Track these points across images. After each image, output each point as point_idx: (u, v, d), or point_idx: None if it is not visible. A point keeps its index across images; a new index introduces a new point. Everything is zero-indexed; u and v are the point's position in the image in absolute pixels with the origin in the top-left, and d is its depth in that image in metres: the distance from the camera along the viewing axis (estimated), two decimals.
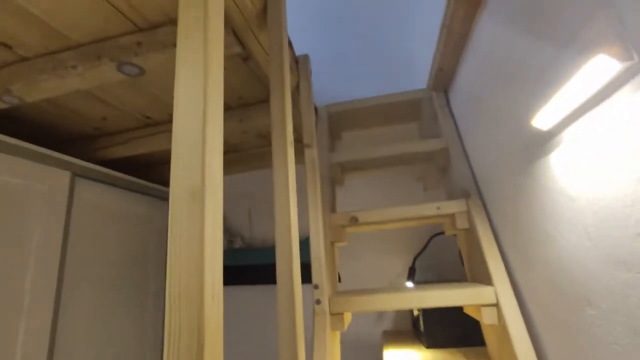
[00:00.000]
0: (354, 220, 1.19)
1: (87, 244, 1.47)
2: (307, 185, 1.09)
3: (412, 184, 1.70)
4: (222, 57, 0.45)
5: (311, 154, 1.11)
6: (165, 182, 1.98)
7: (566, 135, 0.66)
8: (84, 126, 1.48)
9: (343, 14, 1.96)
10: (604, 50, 0.50)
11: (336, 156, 1.36)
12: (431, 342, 1.19)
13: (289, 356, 0.67)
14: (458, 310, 1.20)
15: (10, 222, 1.18)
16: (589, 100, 0.57)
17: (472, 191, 1.18)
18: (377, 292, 1.06)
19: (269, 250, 1.82)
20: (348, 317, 1.11)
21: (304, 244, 1.66)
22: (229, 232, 1.94)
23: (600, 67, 0.50)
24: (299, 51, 1.91)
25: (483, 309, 0.98)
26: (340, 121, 1.64)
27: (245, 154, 1.88)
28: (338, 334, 1.16)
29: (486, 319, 0.97)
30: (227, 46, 0.96)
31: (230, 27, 0.91)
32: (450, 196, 1.38)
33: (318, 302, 1.02)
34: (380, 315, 1.57)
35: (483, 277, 1.07)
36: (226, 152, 1.86)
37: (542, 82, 0.67)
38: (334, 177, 1.44)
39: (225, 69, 1.19)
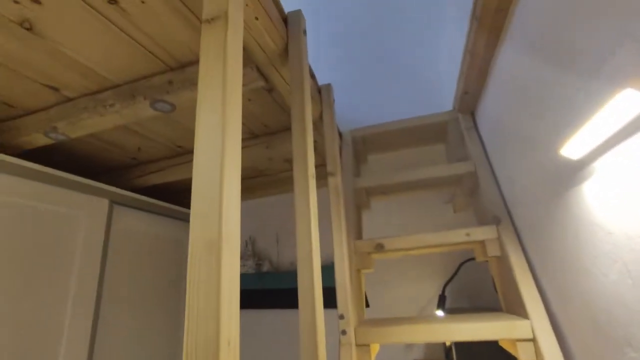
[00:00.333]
0: (380, 247, 1.17)
1: (124, 267, 1.53)
2: (332, 213, 1.10)
3: (441, 206, 1.66)
4: (240, 100, 0.47)
5: (335, 181, 1.12)
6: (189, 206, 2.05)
7: (598, 165, 0.63)
8: (121, 156, 1.57)
9: (367, 39, 1.98)
10: (631, 84, 0.48)
11: (361, 181, 1.36)
12: None
13: None
14: (493, 341, 1.14)
15: (53, 247, 1.26)
16: (619, 132, 0.54)
17: (502, 217, 1.14)
18: (405, 322, 1.03)
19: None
20: (375, 348, 1.09)
21: (330, 269, 1.65)
22: (257, 256, 1.96)
23: (628, 101, 0.48)
24: (323, 77, 1.95)
25: (519, 343, 0.93)
26: (365, 145, 1.64)
27: (273, 178, 1.92)
28: None
29: (522, 354, 0.91)
30: (251, 81, 1.00)
31: (254, 64, 0.95)
32: (480, 219, 1.34)
33: (344, 332, 1.01)
34: (411, 344, 1.52)
35: (518, 308, 1.02)
36: (254, 176, 1.90)
37: (567, 111, 0.65)
38: (360, 202, 1.43)
39: (250, 100, 1.23)
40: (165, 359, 1.65)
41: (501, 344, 1.11)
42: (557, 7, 0.67)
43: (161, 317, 1.66)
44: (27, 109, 1.19)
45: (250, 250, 1.96)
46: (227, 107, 0.42)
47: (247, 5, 0.74)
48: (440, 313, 1.29)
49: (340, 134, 1.59)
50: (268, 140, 1.45)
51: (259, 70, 0.96)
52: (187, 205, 2.04)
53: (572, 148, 0.65)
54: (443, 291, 1.38)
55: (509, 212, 1.15)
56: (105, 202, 1.47)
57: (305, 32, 0.93)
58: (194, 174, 0.41)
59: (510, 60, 0.94)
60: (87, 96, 1.12)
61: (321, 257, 1.68)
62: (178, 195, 2.06)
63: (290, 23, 0.92)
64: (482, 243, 1.16)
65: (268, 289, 1.84)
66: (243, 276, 1.92)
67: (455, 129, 1.47)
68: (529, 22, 0.81)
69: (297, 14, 0.92)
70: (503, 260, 1.10)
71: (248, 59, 0.95)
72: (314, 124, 1.27)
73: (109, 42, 0.93)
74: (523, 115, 0.91)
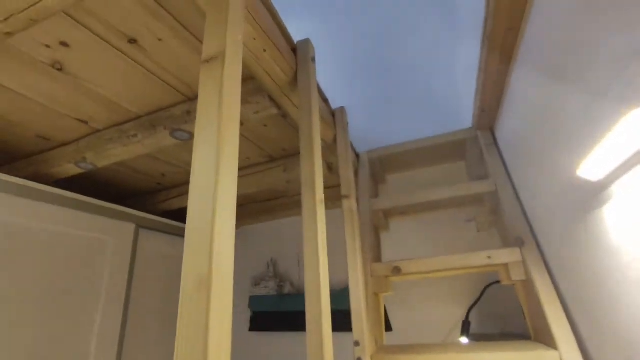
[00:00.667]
0: (397, 271, 1.15)
1: (149, 288, 1.57)
2: (346, 236, 1.09)
3: (464, 225, 1.60)
4: (236, 136, 0.49)
5: (349, 204, 1.12)
6: None
7: (617, 188, 0.60)
8: (146, 182, 1.64)
9: (381, 59, 2.00)
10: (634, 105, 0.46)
11: (378, 203, 1.35)
12: None
13: None
14: None
15: (83, 271, 1.32)
16: (634, 155, 0.51)
17: (526, 238, 1.09)
18: (425, 350, 0.99)
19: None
20: None
21: (347, 292, 1.62)
22: (278, 277, 1.96)
23: (636, 122, 0.45)
24: (339, 99, 1.97)
25: None
26: (383, 165, 1.63)
27: (293, 199, 1.93)
28: None
29: None
30: (264, 108, 1.03)
31: (267, 93, 0.98)
32: (505, 240, 1.28)
33: None
34: None
35: (546, 337, 0.96)
36: (274, 198, 1.93)
37: (579, 132, 0.62)
38: (378, 224, 1.41)
39: (266, 125, 1.27)
40: None
41: None
42: (566, 25, 0.65)
43: None
44: (60, 141, 1.27)
45: (271, 272, 1.97)
46: (221, 144, 0.44)
47: (254, 39, 0.77)
48: (464, 340, 1.24)
49: (357, 155, 1.59)
50: (285, 163, 1.47)
51: (270, 98, 0.99)
52: None
53: (588, 170, 0.62)
54: (467, 316, 1.32)
55: (533, 233, 1.10)
56: (131, 227, 1.53)
57: (314, 59, 0.95)
58: (189, 209, 0.42)
59: (523, 78, 0.92)
60: (112, 128, 1.19)
61: (338, 280, 1.66)
62: None
63: (299, 52, 0.94)
64: (505, 266, 1.11)
65: (290, 311, 1.83)
66: (265, 298, 1.92)
67: (475, 147, 1.43)
68: (539, 41, 0.79)
69: (306, 43, 0.95)
70: (529, 284, 1.05)
71: (259, 88, 0.98)
72: (329, 146, 1.28)
73: (131, 77, 0.99)
74: (539, 134, 0.88)
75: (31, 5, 0.66)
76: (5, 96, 1.02)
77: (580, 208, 0.75)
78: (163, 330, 1.59)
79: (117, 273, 1.44)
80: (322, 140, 1.22)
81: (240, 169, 1.56)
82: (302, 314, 1.89)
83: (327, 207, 1.87)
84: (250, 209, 2.01)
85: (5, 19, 0.68)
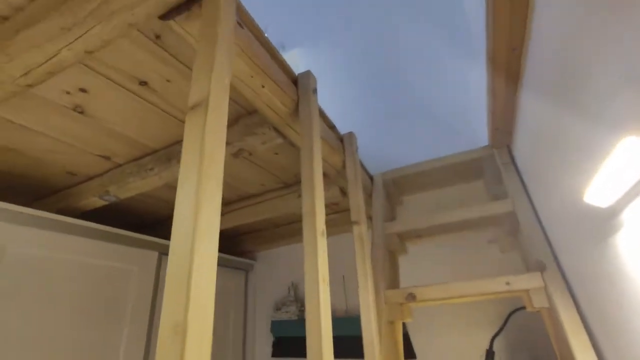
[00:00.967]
0: (411, 297, 1.11)
1: None
2: (357, 263, 1.07)
3: (486, 246, 1.54)
4: (220, 178, 0.50)
5: (359, 230, 1.10)
6: (238, 253, 2.12)
7: (628, 214, 0.56)
8: (167, 210, 1.70)
9: (391, 79, 2.00)
10: (633, 130, 0.43)
11: (392, 226, 1.33)
12: None
13: None
14: None
15: (108, 299, 1.37)
16: (638, 182, 0.48)
17: (548, 262, 1.03)
18: None
19: (340, 321, 1.77)
20: None
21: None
22: (299, 302, 1.95)
23: (631, 149, 0.43)
24: (352, 122, 1.98)
25: None
26: (398, 187, 1.61)
27: None
28: None
29: None
30: (270, 139, 1.06)
31: (271, 124, 1.00)
32: (527, 263, 1.22)
33: None
34: None
35: None
36: (292, 222, 1.94)
37: (580, 157, 0.59)
38: (393, 247, 1.38)
39: (277, 154, 1.29)
40: None
41: None
42: (563, 47, 0.63)
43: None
44: (86, 176, 1.35)
45: (292, 296, 1.96)
46: (201, 196, 0.45)
47: (251, 76, 0.79)
48: None
49: (370, 178, 1.58)
50: (299, 189, 1.49)
51: (275, 129, 1.01)
52: (227, 251, 2.12)
53: (594, 196, 0.59)
54: (491, 346, 1.25)
55: (555, 257, 1.03)
56: (154, 255, 1.58)
57: (315, 91, 0.97)
58: (169, 256, 0.44)
59: (531, 99, 0.89)
60: (132, 162, 1.26)
61: (358, 305, 1.62)
62: (220, 242, 2.15)
63: (300, 84, 0.96)
64: (527, 292, 1.05)
65: None
66: (286, 323, 1.91)
67: (492, 165, 1.38)
68: (541, 62, 0.77)
69: (307, 74, 0.97)
70: (553, 312, 0.98)
71: (264, 120, 1.01)
72: (339, 171, 1.29)
73: (145, 115, 1.05)
74: (549, 157, 0.84)
75: (48, 60, 0.72)
76: (33, 138, 1.10)
77: (595, 234, 0.71)
78: None
79: (141, 300, 1.49)
80: (332, 166, 1.23)
81: (256, 196, 1.59)
82: None
83: (343, 231, 1.87)
84: (270, 233, 2.03)
85: (25, 73, 0.75)
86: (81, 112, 1.02)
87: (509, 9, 0.78)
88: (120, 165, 1.30)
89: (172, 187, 1.48)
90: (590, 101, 0.54)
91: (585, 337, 0.87)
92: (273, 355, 1.89)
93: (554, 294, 0.96)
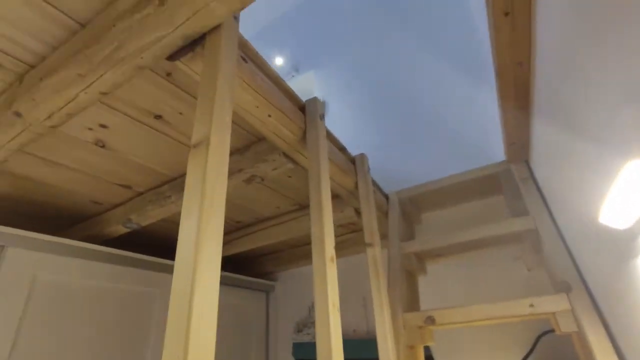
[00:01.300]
0: (430, 321, 1.08)
1: None
2: (371, 287, 1.06)
3: (511, 264, 1.48)
4: (222, 214, 0.52)
5: (373, 253, 1.09)
6: (258, 274, 2.14)
7: None
8: None
9: (407, 100, 1.99)
10: (634, 154, 0.42)
11: (409, 246, 1.30)
12: None
13: None
14: None
15: (132, 322, 1.41)
16: None
17: (574, 282, 0.97)
18: None
19: (361, 343, 1.73)
20: None
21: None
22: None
23: (635, 173, 0.41)
24: (366, 141, 1.98)
25: None
26: (415, 205, 1.59)
27: None
28: None
29: None
30: (280, 165, 1.07)
31: (281, 151, 1.02)
32: (554, 282, 1.16)
33: None
34: None
35: None
36: (308, 243, 1.93)
37: (593, 175, 0.57)
38: (412, 268, 1.35)
39: (290, 177, 1.31)
40: None
41: None
42: (565, 61, 0.62)
43: None
44: (111, 204, 1.41)
45: (312, 318, 1.94)
46: (202, 226, 0.47)
47: (257, 107, 0.82)
48: None
49: (386, 197, 1.57)
50: None
51: (285, 155, 1.03)
52: (247, 273, 2.13)
53: (608, 218, 0.56)
54: None
55: (581, 277, 0.98)
56: None
57: (322, 117, 0.99)
58: (172, 291, 0.45)
59: (542, 114, 0.87)
60: (152, 190, 1.31)
61: (374, 328, 1.59)
62: (238, 264, 2.18)
63: (307, 111, 0.98)
64: (553, 315, 0.99)
65: None
66: (308, 345, 1.89)
67: (510, 181, 1.34)
68: (548, 76, 0.76)
69: (314, 101, 0.99)
70: (582, 337, 0.93)
71: (273, 147, 1.03)
72: (352, 192, 1.28)
73: (161, 146, 1.09)
74: (566, 173, 0.81)
75: (67, 104, 0.77)
76: (60, 171, 1.17)
77: (617, 255, 0.67)
78: None
79: (163, 323, 1.51)
80: (344, 187, 1.23)
81: (271, 218, 1.61)
82: None
83: (362, 250, 1.85)
84: (289, 254, 2.04)
85: (48, 117, 0.80)
86: (102, 146, 1.08)
87: (510, 24, 0.77)
88: (141, 194, 1.35)
89: None
90: (593, 121, 0.52)
91: None
92: None
93: (581, 317, 0.91)
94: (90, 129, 1.00)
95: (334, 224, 1.67)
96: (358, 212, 1.43)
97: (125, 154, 1.12)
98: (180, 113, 0.97)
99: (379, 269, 1.07)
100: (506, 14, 0.74)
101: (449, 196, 1.52)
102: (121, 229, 1.44)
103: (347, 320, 1.85)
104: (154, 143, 1.08)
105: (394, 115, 2.00)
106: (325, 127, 1.01)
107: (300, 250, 2.02)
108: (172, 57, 0.68)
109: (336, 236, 1.84)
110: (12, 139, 0.89)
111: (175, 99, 0.92)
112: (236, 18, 0.69)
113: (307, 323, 1.95)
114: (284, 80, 0.91)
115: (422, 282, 1.57)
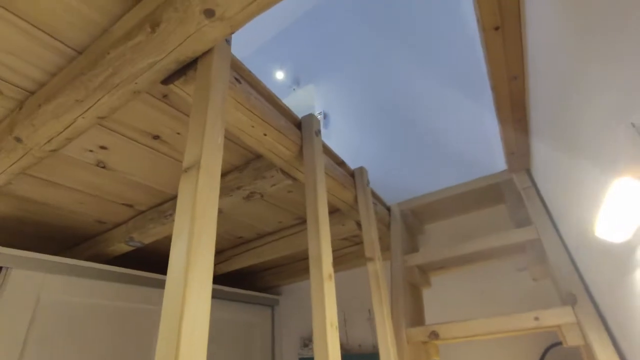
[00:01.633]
0: (434, 336, 1.06)
1: None
2: (372, 302, 1.04)
3: (517, 274, 1.45)
4: (213, 235, 0.52)
5: (374, 267, 1.08)
6: (262, 289, 2.13)
7: None
8: None
9: (407, 112, 2.00)
10: (626, 171, 0.41)
11: (411, 259, 1.29)
12: None
13: None
14: None
15: (136, 339, 1.40)
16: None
17: (579, 294, 0.96)
18: None
19: (367, 357, 1.71)
20: None
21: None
22: None
23: (625, 190, 0.40)
24: (366, 154, 1.98)
25: None
26: (417, 216, 1.58)
27: (333, 255, 1.92)
28: None
29: None
30: (279, 181, 1.08)
31: (278, 167, 1.03)
32: (560, 293, 1.14)
33: None
34: None
35: None
36: None
37: (588, 190, 0.56)
38: (415, 281, 1.34)
39: (290, 191, 1.31)
40: None
41: None
42: (557, 78, 0.62)
43: None
44: (114, 223, 1.42)
45: None
46: (191, 261, 0.47)
47: (252, 127, 0.83)
48: None
49: (388, 209, 1.56)
50: None
51: (282, 171, 1.03)
52: (251, 287, 2.13)
53: (604, 233, 0.55)
54: None
55: (586, 288, 0.96)
56: None
57: (318, 133, 0.99)
58: (162, 313, 0.45)
59: (539, 128, 0.86)
60: (153, 208, 1.31)
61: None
62: (240, 279, 2.17)
63: (304, 127, 0.99)
64: (559, 327, 0.97)
65: None
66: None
67: (511, 190, 1.33)
68: (542, 90, 0.75)
69: (309, 117, 1.00)
70: (588, 350, 0.91)
71: (271, 164, 1.03)
72: (352, 206, 1.28)
73: (160, 165, 1.10)
74: (565, 185, 0.80)
75: (65, 128, 0.78)
76: (63, 192, 1.19)
77: (619, 267, 0.66)
78: None
79: None
80: (343, 201, 1.23)
81: (273, 233, 1.61)
82: None
83: (365, 263, 1.83)
84: (293, 268, 2.03)
85: (48, 141, 0.81)
86: (103, 167, 1.09)
87: (501, 38, 0.77)
88: (142, 212, 1.36)
89: None
90: (583, 137, 0.52)
91: None
92: None
93: (588, 330, 0.89)
94: (90, 150, 1.02)
95: (336, 238, 1.66)
96: (360, 224, 1.43)
97: (125, 174, 1.13)
98: (178, 133, 0.98)
99: (380, 283, 1.06)
100: (496, 29, 0.74)
101: (451, 207, 1.51)
102: (124, 247, 1.45)
103: (352, 335, 1.83)
104: (153, 163, 1.09)
105: (395, 127, 2.00)
106: (323, 142, 1.01)
107: (303, 264, 2.01)
108: (166, 81, 0.69)
109: (339, 249, 1.84)
110: (13, 163, 0.91)
111: (172, 120, 0.93)
112: (228, 41, 0.70)
113: (312, 338, 1.93)
114: (279, 98, 0.92)
115: (428, 295, 1.55)
